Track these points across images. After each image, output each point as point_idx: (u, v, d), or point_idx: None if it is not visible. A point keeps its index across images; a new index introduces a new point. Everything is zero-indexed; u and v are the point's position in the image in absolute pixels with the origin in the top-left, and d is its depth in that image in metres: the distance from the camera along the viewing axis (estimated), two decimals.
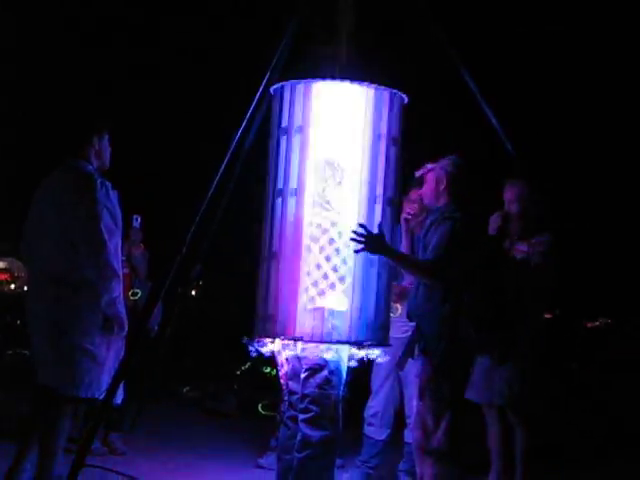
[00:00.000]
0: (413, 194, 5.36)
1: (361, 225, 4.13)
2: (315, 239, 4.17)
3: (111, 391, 4.22)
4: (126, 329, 4.49)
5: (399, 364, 4.79)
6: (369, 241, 4.13)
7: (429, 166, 4.66)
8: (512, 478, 5.14)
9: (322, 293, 4.14)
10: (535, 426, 5.25)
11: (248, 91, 4.80)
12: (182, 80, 12.38)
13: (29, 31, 11.27)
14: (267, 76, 4.67)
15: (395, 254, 4.37)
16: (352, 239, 4.12)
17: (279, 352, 4.43)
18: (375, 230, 4.18)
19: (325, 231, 4.18)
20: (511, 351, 4.98)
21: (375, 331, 4.26)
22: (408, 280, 5.23)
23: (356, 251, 4.13)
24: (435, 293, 4.42)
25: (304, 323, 4.12)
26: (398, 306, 5.32)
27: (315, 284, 4.14)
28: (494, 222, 5.28)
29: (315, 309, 4.12)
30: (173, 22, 11.50)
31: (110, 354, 4.43)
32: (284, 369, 4.81)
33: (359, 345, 4.26)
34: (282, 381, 5.16)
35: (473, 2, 10.03)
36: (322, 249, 4.17)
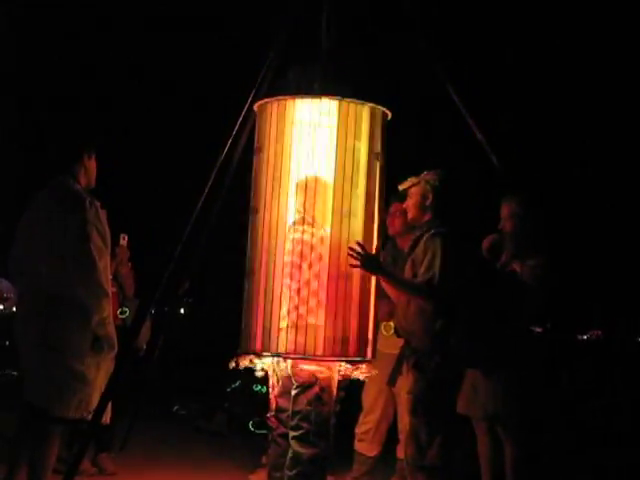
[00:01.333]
0: (394, 207, 5.36)
1: (358, 244, 4.14)
2: (303, 256, 4.16)
3: (100, 410, 4.20)
4: (116, 349, 4.47)
5: (390, 380, 4.78)
6: (365, 260, 4.14)
7: (413, 180, 4.66)
8: None
9: (311, 310, 4.13)
10: (524, 439, 5.24)
11: (235, 109, 4.82)
12: (169, 98, 12.38)
13: (23, 46, 11.26)
14: (253, 93, 4.68)
15: (389, 275, 4.41)
16: (350, 255, 4.13)
17: (273, 370, 4.43)
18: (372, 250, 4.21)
19: (313, 248, 4.17)
20: (499, 364, 4.97)
21: (364, 347, 4.25)
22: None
23: (352, 266, 4.14)
24: (427, 309, 4.42)
25: (294, 340, 4.11)
26: (391, 324, 5.29)
27: (305, 301, 4.13)
28: (486, 244, 5.29)
29: (303, 325, 4.11)
30: (161, 38, 11.51)
31: (100, 374, 4.40)
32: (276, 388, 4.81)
33: (348, 361, 4.25)
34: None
35: (457, 17, 10.08)
36: (311, 266, 4.16)
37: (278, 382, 4.46)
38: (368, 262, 4.17)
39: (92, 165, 4.61)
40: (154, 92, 12.37)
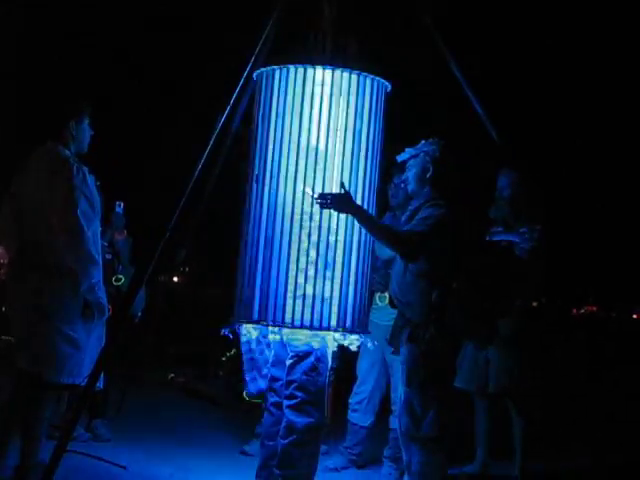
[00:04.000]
0: (397, 179, 5.34)
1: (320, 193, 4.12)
2: (303, 226, 4.16)
3: (93, 377, 4.20)
4: (107, 315, 4.47)
5: (394, 349, 4.78)
6: (335, 199, 4.09)
7: (411, 150, 4.62)
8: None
9: (309, 279, 4.13)
10: (531, 411, 5.33)
11: (234, 76, 4.77)
12: (165, 63, 12.31)
13: (23, 46, 11.19)
14: (251, 61, 4.64)
15: (363, 213, 4.22)
16: (317, 202, 4.10)
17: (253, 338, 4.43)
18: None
19: (312, 218, 4.16)
20: (493, 337, 5.01)
21: (360, 317, 4.27)
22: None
23: (321, 207, 4.10)
24: (422, 280, 4.40)
25: (291, 309, 4.12)
26: (386, 294, 5.30)
27: (303, 270, 4.13)
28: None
29: (302, 295, 4.12)
30: (156, 6, 11.43)
31: (91, 340, 4.41)
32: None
33: (346, 332, 4.26)
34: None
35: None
36: (310, 235, 4.15)
37: (269, 347, 4.48)
38: (338, 200, 4.10)
39: (82, 131, 4.57)
40: (153, 59, 12.31)
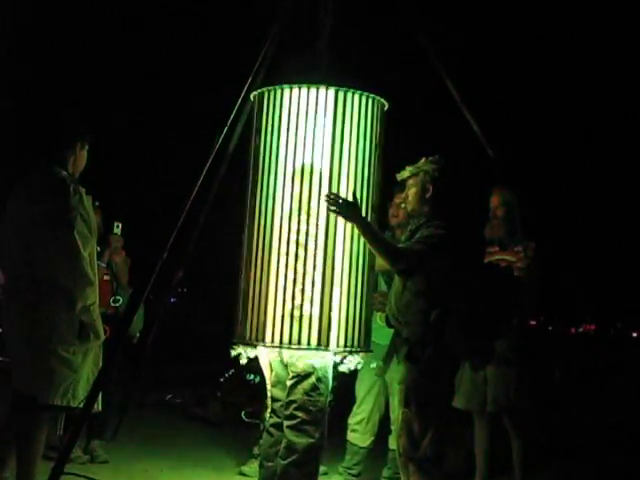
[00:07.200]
0: (398, 198, 5.33)
1: (334, 193, 4.13)
2: (302, 246, 4.15)
3: (91, 399, 4.18)
4: (102, 337, 4.45)
5: (380, 371, 4.77)
6: (343, 205, 4.11)
7: (411, 169, 4.60)
8: None
9: (311, 300, 4.12)
10: (530, 431, 5.31)
11: (232, 97, 4.79)
12: (165, 85, 12.35)
13: (18, 30, 11.22)
14: (249, 82, 4.66)
15: (367, 225, 4.23)
16: (327, 201, 4.11)
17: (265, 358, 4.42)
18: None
19: (313, 238, 4.16)
20: (491, 357, 4.99)
21: (360, 338, 4.25)
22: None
23: (329, 211, 4.12)
24: (421, 300, 4.39)
25: (297, 330, 4.10)
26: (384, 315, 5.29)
27: (307, 292, 4.13)
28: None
29: (301, 316, 4.10)
30: (156, 26, 11.48)
31: (87, 362, 4.38)
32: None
33: (345, 352, 4.25)
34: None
35: (458, 9, 10.06)
36: (310, 256, 4.15)
37: (271, 372, 4.46)
38: (346, 208, 4.11)
39: (82, 155, 4.57)
40: (151, 81, 12.35)
